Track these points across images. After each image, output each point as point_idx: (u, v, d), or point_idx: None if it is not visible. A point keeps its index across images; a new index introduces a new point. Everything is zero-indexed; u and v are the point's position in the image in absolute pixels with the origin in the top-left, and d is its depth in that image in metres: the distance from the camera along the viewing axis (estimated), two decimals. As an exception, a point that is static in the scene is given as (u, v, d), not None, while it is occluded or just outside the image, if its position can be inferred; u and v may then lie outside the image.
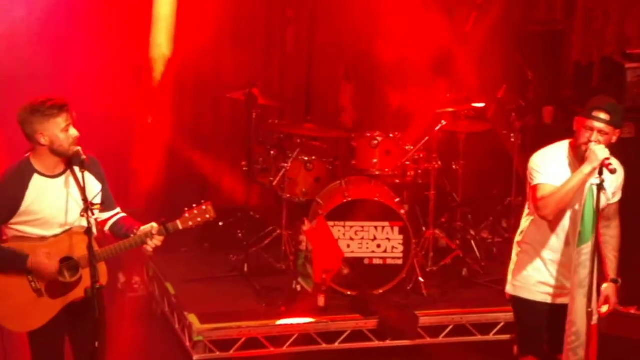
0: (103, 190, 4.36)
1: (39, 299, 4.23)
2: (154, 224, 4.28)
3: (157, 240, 4.26)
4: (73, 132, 4.20)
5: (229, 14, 7.70)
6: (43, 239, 4.24)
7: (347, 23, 7.87)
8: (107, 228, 4.44)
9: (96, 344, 4.14)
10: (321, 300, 6.10)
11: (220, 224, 7.16)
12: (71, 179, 4.25)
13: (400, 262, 6.39)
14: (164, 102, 7.62)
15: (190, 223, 4.28)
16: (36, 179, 4.21)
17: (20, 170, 4.22)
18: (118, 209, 4.46)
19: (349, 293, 6.32)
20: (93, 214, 4.19)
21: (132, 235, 4.30)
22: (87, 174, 4.21)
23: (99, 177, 4.36)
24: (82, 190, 4.16)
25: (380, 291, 6.35)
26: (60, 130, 4.16)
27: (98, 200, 4.33)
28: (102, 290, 4.15)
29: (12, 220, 4.22)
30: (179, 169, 7.67)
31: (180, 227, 4.28)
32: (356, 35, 7.64)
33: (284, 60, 8.00)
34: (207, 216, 4.29)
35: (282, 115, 7.74)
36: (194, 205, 4.29)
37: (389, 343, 6.04)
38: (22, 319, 4.26)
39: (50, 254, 4.18)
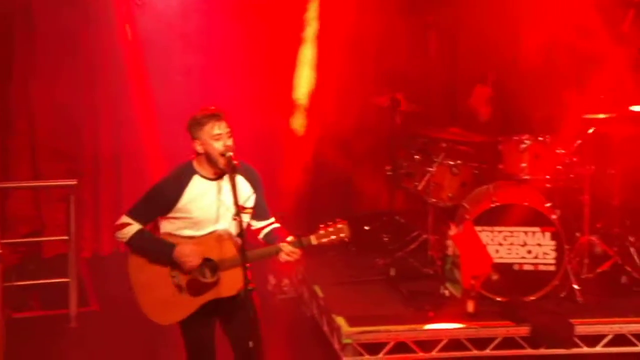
0: (257, 198, 4.47)
1: (179, 295, 4.38)
2: (290, 237, 4.35)
3: (295, 252, 4.30)
4: (225, 141, 4.33)
5: (370, 20, 7.77)
6: (192, 238, 4.39)
7: (490, 27, 7.76)
8: (260, 236, 4.54)
9: (250, 343, 4.24)
10: (470, 306, 6.03)
11: (366, 228, 7.20)
12: (226, 184, 4.38)
13: (552, 268, 6.23)
14: (308, 109, 7.76)
15: (324, 240, 4.32)
16: (195, 180, 4.39)
17: (182, 170, 4.42)
18: (272, 219, 4.55)
19: (498, 299, 6.22)
20: (241, 219, 4.27)
21: None
22: (241, 180, 4.36)
23: (253, 185, 4.47)
24: (238, 194, 4.28)
25: (532, 298, 6.21)
26: (211, 138, 4.33)
27: (250, 204, 4.43)
28: (252, 292, 4.25)
29: (168, 216, 4.40)
30: (324, 174, 7.78)
31: (314, 242, 4.32)
32: (500, 39, 7.52)
33: (427, 65, 7.97)
34: (342, 235, 4.31)
35: (426, 119, 7.71)
36: (330, 223, 4.30)
37: (543, 351, 5.89)
38: (163, 313, 4.43)
39: (195, 250, 4.32)
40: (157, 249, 4.37)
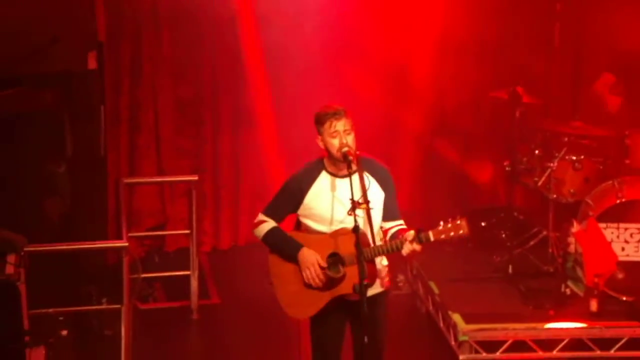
0: (386, 199, 4.47)
1: (308, 290, 4.43)
2: (411, 232, 4.32)
3: (415, 247, 4.28)
4: (341, 139, 4.36)
5: (493, 9, 7.63)
6: (322, 234, 4.45)
7: (618, 18, 7.47)
8: (387, 237, 4.53)
9: (365, 339, 4.24)
10: (594, 305, 5.87)
11: (483, 224, 7.08)
12: (355, 181, 4.39)
13: (682, 267, 5.97)
14: (425, 99, 7.70)
15: (443, 236, 4.27)
16: (323, 176, 4.47)
17: (312, 165, 4.52)
18: (401, 222, 4.52)
19: (624, 298, 6.02)
20: (356, 214, 4.27)
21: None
22: (369, 178, 4.40)
23: (383, 185, 4.48)
24: (363, 191, 4.32)
25: (660, 298, 5.97)
26: (329, 135, 4.38)
27: (373, 202, 4.39)
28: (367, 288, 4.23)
29: (300, 213, 4.52)
30: (440, 168, 7.69)
31: (432, 238, 4.28)
32: (628, 30, 7.22)
33: (549, 57, 7.75)
34: (461, 232, 4.26)
35: (547, 113, 7.50)
36: (450, 219, 4.25)
37: (672, 353, 5.65)
38: (296, 307, 4.50)
39: (316, 260, 4.37)
40: (285, 248, 4.47)
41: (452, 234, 4.26)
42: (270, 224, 4.51)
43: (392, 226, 4.49)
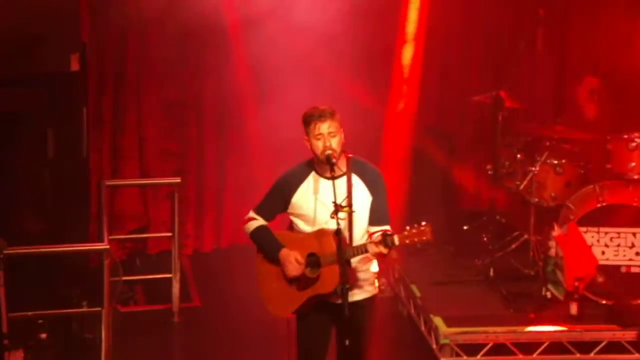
0: (374, 202, 4.45)
1: (288, 289, 4.47)
2: (379, 234, 4.32)
3: (381, 249, 4.28)
4: (327, 141, 4.35)
5: (477, 14, 7.65)
6: (307, 234, 4.46)
7: (602, 22, 7.52)
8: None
9: (346, 342, 4.25)
10: (573, 309, 5.89)
11: (465, 227, 7.10)
12: (341, 183, 4.39)
13: (662, 271, 6.00)
14: (409, 101, 7.70)
15: (407, 241, 4.28)
16: (312, 177, 4.47)
17: (303, 165, 4.53)
18: (388, 226, 4.47)
19: (604, 302, 6.05)
20: (338, 217, 4.27)
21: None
22: (357, 181, 4.40)
23: (371, 188, 4.45)
24: (353, 194, 4.35)
25: (640, 301, 6.00)
26: (313, 137, 4.37)
27: (357, 204, 4.37)
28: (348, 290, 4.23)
29: (289, 212, 4.53)
30: (424, 169, 7.69)
31: (397, 242, 4.29)
32: (612, 35, 7.27)
33: (533, 61, 7.78)
34: (424, 238, 4.27)
35: (529, 117, 7.52)
36: (415, 224, 4.27)
37: (650, 357, 5.67)
38: (276, 304, 4.53)
39: (297, 260, 4.38)
40: (267, 247, 4.50)
41: (415, 239, 4.28)
42: (258, 222, 4.53)
43: (376, 230, 4.46)
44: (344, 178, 4.41)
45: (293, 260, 4.40)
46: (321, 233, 4.42)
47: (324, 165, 4.42)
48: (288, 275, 4.43)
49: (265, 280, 4.55)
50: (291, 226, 4.59)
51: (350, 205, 4.37)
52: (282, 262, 4.44)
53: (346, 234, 4.36)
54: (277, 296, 4.51)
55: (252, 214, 4.57)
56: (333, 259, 4.32)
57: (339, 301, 4.27)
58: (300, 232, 4.51)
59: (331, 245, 4.33)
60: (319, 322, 4.54)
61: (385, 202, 4.51)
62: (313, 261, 4.41)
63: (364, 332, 4.49)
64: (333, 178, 4.31)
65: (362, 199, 4.42)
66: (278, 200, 4.52)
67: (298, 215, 4.50)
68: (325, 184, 4.43)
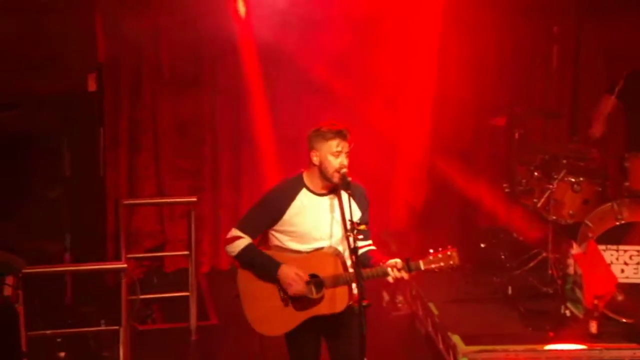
0: (361, 219, 4.44)
1: (284, 309, 4.43)
2: (398, 260, 4.31)
3: (403, 275, 4.28)
4: (342, 160, 4.35)
5: (492, 32, 7.66)
6: (298, 252, 4.43)
7: (617, 40, 7.51)
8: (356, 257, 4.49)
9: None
10: (593, 327, 5.85)
11: (483, 245, 7.08)
12: (335, 202, 4.41)
13: (682, 289, 5.97)
14: (424, 121, 7.72)
15: (433, 266, 4.28)
16: (303, 194, 4.43)
17: (291, 183, 4.48)
18: (370, 242, 4.52)
19: (624, 320, 6.01)
20: (356, 236, 4.26)
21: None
22: (349, 199, 4.34)
23: (360, 205, 4.47)
24: (347, 211, 4.30)
25: (660, 320, 5.96)
26: (330, 154, 4.36)
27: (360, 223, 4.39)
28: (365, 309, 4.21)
29: (275, 228, 4.46)
30: (440, 188, 7.69)
31: (422, 268, 4.29)
32: (628, 53, 7.26)
33: (548, 79, 7.79)
34: (451, 262, 4.27)
35: (545, 135, 7.52)
36: (440, 248, 4.24)
37: (671, 376, 5.63)
38: (268, 324, 4.48)
39: (299, 275, 4.36)
40: (263, 266, 4.43)
41: (442, 264, 4.27)
42: (245, 240, 4.45)
43: (362, 246, 4.43)
44: (344, 196, 4.35)
45: (296, 277, 4.35)
46: (319, 254, 4.39)
47: (318, 181, 4.39)
48: (291, 293, 4.37)
49: (254, 299, 4.47)
50: (263, 242, 4.50)
51: (366, 222, 4.38)
52: (282, 280, 4.38)
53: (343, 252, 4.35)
54: (270, 316, 4.45)
55: (236, 232, 4.47)
56: (339, 280, 4.31)
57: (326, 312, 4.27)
58: (286, 249, 4.44)
59: (334, 267, 4.32)
60: (309, 339, 4.54)
61: (369, 218, 4.50)
62: (316, 282, 4.37)
63: (355, 338, 4.33)
64: (342, 195, 4.29)
65: (355, 216, 4.40)
66: (266, 218, 4.45)
67: (287, 232, 4.43)
68: (320, 200, 4.41)
